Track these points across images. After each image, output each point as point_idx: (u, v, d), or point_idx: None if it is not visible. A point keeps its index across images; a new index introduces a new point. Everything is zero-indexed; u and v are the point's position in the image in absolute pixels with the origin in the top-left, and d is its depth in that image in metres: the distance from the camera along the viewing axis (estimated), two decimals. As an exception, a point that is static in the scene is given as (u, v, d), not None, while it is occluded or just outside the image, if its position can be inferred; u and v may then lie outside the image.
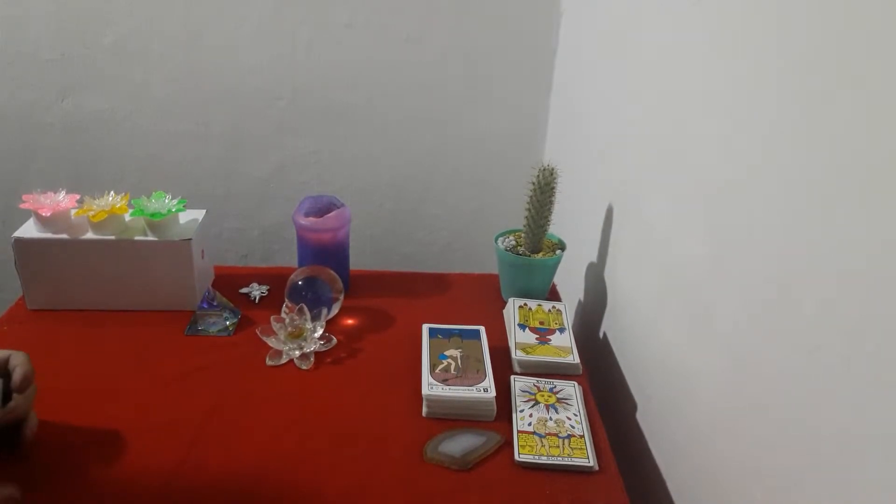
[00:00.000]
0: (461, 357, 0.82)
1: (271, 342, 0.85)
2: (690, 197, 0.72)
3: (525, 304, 0.94)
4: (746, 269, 0.60)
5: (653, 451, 0.80)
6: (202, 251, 0.94)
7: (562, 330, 0.90)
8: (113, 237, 0.89)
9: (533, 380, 0.82)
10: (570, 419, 0.75)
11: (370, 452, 0.71)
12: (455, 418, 0.75)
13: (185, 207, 0.92)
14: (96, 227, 0.89)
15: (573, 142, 1.23)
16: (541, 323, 0.91)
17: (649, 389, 0.83)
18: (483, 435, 0.73)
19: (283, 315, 0.87)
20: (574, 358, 0.85)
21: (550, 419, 0.75)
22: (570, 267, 1.10)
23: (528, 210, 0.95)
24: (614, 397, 0.92)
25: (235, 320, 0.92)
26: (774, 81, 0.56)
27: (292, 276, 0.92)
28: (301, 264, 0.97)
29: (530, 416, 0.75)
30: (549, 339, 0.88)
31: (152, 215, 0.88)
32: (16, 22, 1.26)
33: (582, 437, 0.73)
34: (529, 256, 0.97)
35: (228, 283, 1.00)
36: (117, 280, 0.91)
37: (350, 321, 0.94)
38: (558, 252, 0.98)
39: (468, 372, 0.79)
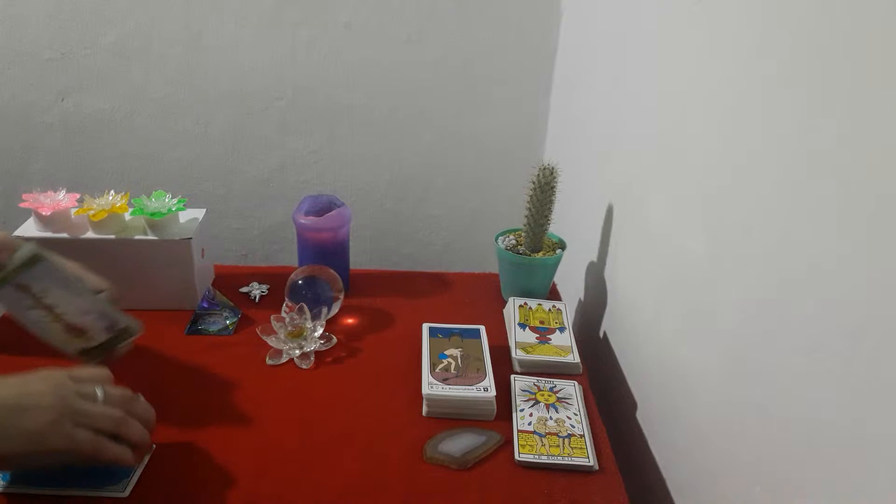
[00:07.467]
0: (461, 356, 0.82)
1: (271, 341, 0.85)
2: (690, 197, 0.72)
3: (525, 304, 0.94)
4: (746, 269, 0.60)
5: (653, 451, 0.80)
6: (202, 250, 0.94)
7: (562, 329, 0.90)
8: (113, 236, 0.89)
9: (533, 379, 0.82)
10: (570, 418, 0.75)
11: (370, 452, 0.71)
12: (455, 418, 0.75)
13: (185, 207, 0.92)
14: (96, 226, 0.89)
15: (573, 142, 1.23)
16: (541, 322, 0.91)
17: (649, 389, 0.83)
18: (483, 434, 0.73)
19: (283, 314, 0.87)
20: (574, 357, 0.85)
21: (550, 418, 0.75)
22: (570, 266, 1.10)
23: (529, 209, 0.95)
24: (614, 397, 0.92)
25: (235, 319, 0.92)
26: (775, 81, 0.56)
27: (292, 276, 0.92)
28: (301, 264, 0.97)
29: (530, 415, 0.75)
30: (550, 339, 0.88)
31: (152, 214, 0.88)
32: (16, 22, 1.26)
33: (582, 436, 0.73)
34: (530, 256, 0.97)
35: (228, 282, 1.00)
36: (117, 279, 0.91)
37: (350, 320, 0.94)
38: (558, 251, 0.98)
39: (468, 371, 0.79)
